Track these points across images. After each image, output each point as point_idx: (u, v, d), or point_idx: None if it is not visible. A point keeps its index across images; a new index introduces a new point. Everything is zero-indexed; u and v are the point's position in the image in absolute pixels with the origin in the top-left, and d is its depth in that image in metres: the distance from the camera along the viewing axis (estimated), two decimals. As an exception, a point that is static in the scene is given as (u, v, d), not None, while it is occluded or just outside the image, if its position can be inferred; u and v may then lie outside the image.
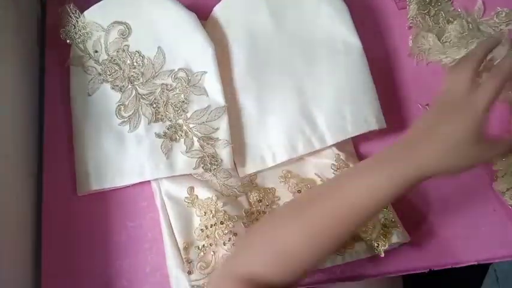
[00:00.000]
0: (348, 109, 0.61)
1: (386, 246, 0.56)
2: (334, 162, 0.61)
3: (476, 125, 0.41)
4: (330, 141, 0.61)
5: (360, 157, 0.64)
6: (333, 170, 0.61)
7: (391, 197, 0.42)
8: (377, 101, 0.62)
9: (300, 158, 0.62)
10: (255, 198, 0.61)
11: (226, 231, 0.56)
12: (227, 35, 0.65)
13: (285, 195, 0.61)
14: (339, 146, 0.62)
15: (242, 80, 0.64)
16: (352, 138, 0.63)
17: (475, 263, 0.60)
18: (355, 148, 0.65)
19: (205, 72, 0.62)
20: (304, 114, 0.62)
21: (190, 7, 0.64)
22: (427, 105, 0.67)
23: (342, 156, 0.61)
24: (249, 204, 0.60)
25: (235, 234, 0.56)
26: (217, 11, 0.66)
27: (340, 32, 0.65)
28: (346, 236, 0.44)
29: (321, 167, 0.62)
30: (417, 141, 0.43)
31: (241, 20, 0.65)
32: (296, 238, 0.43)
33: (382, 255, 0.56)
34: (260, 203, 0.60)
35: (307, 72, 0.63)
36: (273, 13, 0.65)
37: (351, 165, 0.60)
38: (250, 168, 0.62)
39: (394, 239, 0.57)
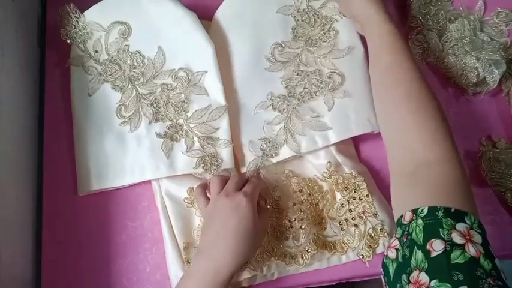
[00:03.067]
0: (351, 109, 0.61)
1: (371, 257, 0.57)
2: (326, 170, 0.61)
3: (251, 216, 0.51)
4: (334, 139, 0.61)
5: (361, 159, 0.64)
6: (325, 177, 0.61)
7: None
8: None
9: (300, 157, 0.62)
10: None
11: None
12: (234, 32, 0.65)
13: (286, 194, 0.61)
14: (340, 147, 0.62)
15: (245, 78, 0.63)
16: (353, 139, 0.64)
17: (475, 262, 0.60)
18: (355, 150, 0.65)
19: (205, 72, 0.62)
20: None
21: (190, 7, 0.64)
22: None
23: (333, 165, 0.61)
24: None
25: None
26: (225, 8, 0.66)
27: (345, 33, 0.65)
28: None
29: (319, 167, 0.62)
30: (209, 248, 0.52)
31: (250, 17, 0.65)
32: None
33: (367, 266, 0.57)
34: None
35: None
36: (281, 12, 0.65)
37: (344, 174, 0.60)
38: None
39: (380, 249, 0.58)
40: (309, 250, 0.57)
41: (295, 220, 0.59)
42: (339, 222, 0.59)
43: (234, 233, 0.50)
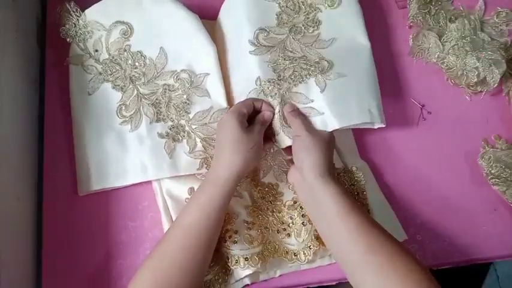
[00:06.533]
0: (354, 98, 0.60)
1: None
2: None
3: (230, 130, 0.55)
4: (335, 125, 0.60)
5: (361, 155, 0.64)
6: None
7: (217, 206, 0.53)
8: (380, 99, 0.62)
9: None
10: (257, 195, 0.61)
11: (227, 229, 0.56)
12: (234, 21, 0.64)
13: (287, 192, 0.61)
14: (340, 141, 0.63)
15: (234, 65, 0.63)
16: (354, 135, 0.64)
17: (475, 262, 0.60)
18: (356, 145, 0.65)
19: (208, 74, 0.62)
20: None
21: (191, 7, 0.64)
22: (423, 106, 0.67)
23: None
24: (251, 202, 0.60)
25: (235, 232, 0.56)
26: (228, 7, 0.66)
27: (328, 24, 0.64)
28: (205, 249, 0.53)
29: None
30: (214, 162, 0.57)
31: (256, 12, 0.65)
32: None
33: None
34: (263, 200, 0.60)
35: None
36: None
37: (344, 169, 0.61)
38: None
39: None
40: (311, 246, 0.57)
41: (296, 217, 0.59)
42: None
43: (222, 146, 0.55)
